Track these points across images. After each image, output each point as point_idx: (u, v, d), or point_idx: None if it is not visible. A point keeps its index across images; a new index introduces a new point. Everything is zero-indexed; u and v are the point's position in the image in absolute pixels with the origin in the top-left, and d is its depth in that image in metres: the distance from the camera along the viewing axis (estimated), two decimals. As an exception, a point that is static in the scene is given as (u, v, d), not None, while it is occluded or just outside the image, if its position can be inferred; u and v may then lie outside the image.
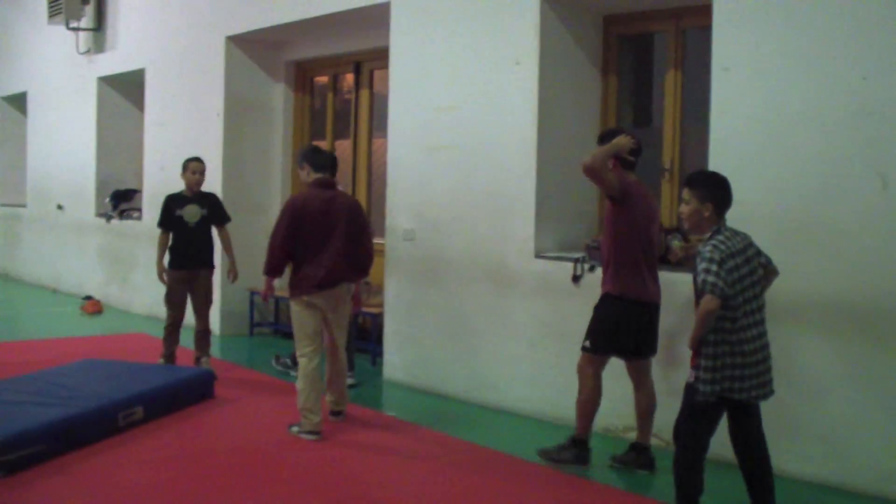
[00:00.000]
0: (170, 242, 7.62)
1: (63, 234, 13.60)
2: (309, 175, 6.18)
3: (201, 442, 5.87)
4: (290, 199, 6.19)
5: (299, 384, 5.97)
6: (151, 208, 10.60)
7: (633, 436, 5.62)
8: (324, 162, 6.29)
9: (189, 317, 7.67)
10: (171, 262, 7.63)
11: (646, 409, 5.48)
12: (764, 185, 5.35)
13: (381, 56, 8.57)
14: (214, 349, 8.11)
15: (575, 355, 5.52)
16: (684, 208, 4.44)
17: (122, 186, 12.37)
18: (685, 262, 5.84)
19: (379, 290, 8.29)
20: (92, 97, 12.66)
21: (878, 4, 4.97)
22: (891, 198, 4.91)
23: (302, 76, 10.26)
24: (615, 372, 5.53)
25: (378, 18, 8.09)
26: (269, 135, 10.22)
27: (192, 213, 7.56)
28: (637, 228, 5.29)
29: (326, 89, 10.16)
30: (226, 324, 9.91)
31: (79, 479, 5.02)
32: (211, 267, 7.75)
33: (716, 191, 4.41)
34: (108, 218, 12.24)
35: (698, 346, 4.28)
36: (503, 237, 6.86)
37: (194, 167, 7.66)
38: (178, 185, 7.82)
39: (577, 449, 5.44)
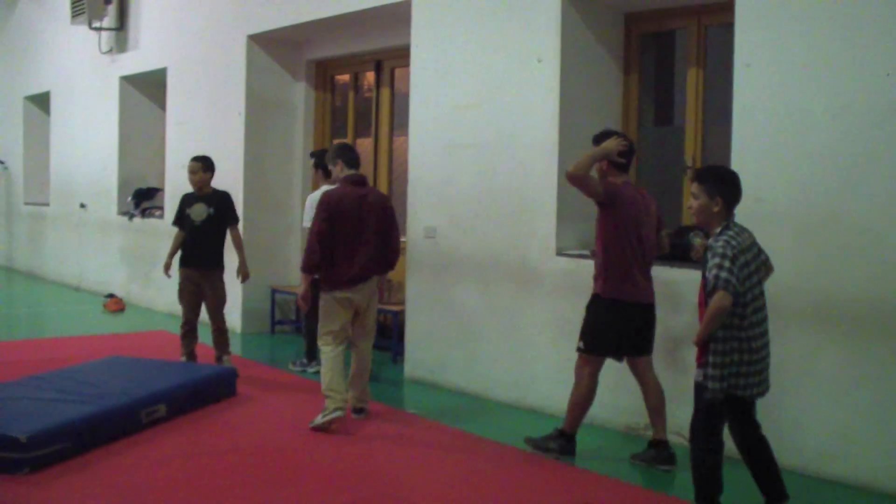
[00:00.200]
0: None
1: (86, 232, 13.70)
2: (342, 171, 6.24)
3: (224, 439, 5.89)
4: (325, 195, 6.21)
5: (323, 369, 6.06)
6: (173, 207, 10.58)
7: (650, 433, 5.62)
8: (357, 158, 6.38)
9: (206, 316, 7.70)
10: (180, 260, 7.68)
11: (655, 404, 5.48)
12: (787, 182, 5.31)
13: (401, 54, 8.59)
14: (236, 347, 8.14)
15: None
16: (694, 203, 4.41)
17: (144, 185, 12.48)
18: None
19: (400, 287, 8.30)
20: (114, 97, 12.75)
21: (903, 0, 4.92)
22: (916, 195, 4.87)
23: (323, 75, 10.28)
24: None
25: (399, 17, 8.10)
26: (290, 134, 10.26)
27: (198, 212, 7.60)
28: (626, 230, 5.34)
29: (347, 88, 10.18)
30: (247, 322, 9.95)
31: (101, 477, 5.04)
32: (220, 267, 7.69)
33: (725, 186, 4.38)
34: (131, 216, 12.32)
35: (705, 342, 4.25)
36: (524, 235, 6.85)
37: (190, 167, 7.71)
38: (198, 184, 7.86)
39: (563, 440, 5.53)
